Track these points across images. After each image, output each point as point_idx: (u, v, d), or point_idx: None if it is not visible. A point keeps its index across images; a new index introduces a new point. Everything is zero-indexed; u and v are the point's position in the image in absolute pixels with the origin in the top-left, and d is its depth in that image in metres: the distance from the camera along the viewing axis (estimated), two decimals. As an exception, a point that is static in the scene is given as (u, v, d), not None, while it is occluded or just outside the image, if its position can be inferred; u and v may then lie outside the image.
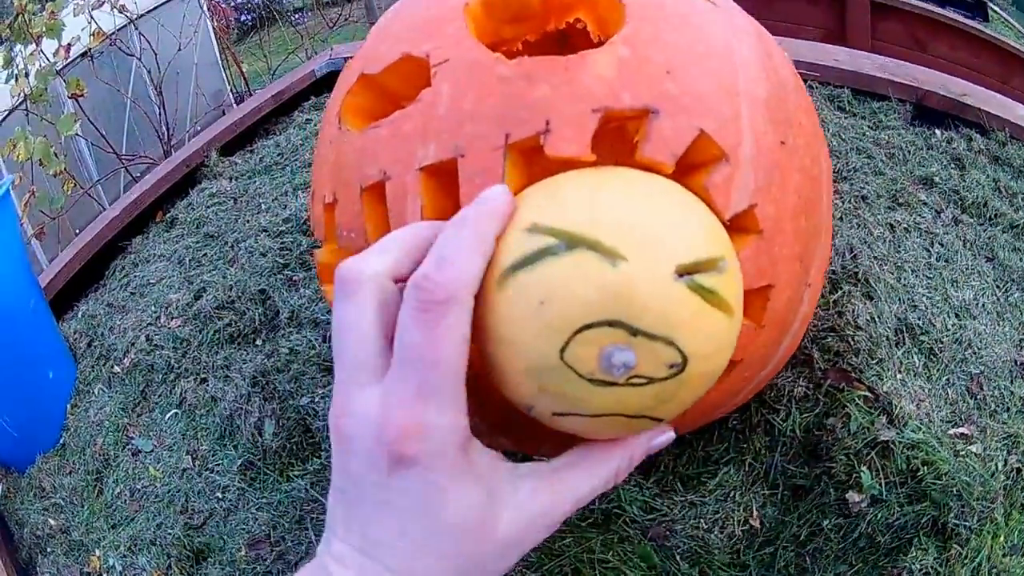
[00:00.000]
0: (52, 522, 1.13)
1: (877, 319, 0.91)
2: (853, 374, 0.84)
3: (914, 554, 0.78)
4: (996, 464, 0.86)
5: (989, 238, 1.20)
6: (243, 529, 0.98)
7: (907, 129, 1.48)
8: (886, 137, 1.44)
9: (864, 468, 0.78)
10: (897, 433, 0.81)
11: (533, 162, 0.61)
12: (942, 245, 1.14)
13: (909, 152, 1.39)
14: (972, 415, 0.92)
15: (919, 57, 3.15)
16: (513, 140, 0.59)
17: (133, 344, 1.31)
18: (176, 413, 1.19)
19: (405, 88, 0.70)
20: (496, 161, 0.58)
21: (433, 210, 0.63)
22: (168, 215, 1.71)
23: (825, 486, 0.79)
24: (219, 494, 1.04)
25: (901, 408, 0.84)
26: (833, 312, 0.91)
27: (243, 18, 4.56)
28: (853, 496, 0.79)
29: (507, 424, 0.70)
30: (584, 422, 0.50)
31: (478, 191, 0.59)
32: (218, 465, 1.08)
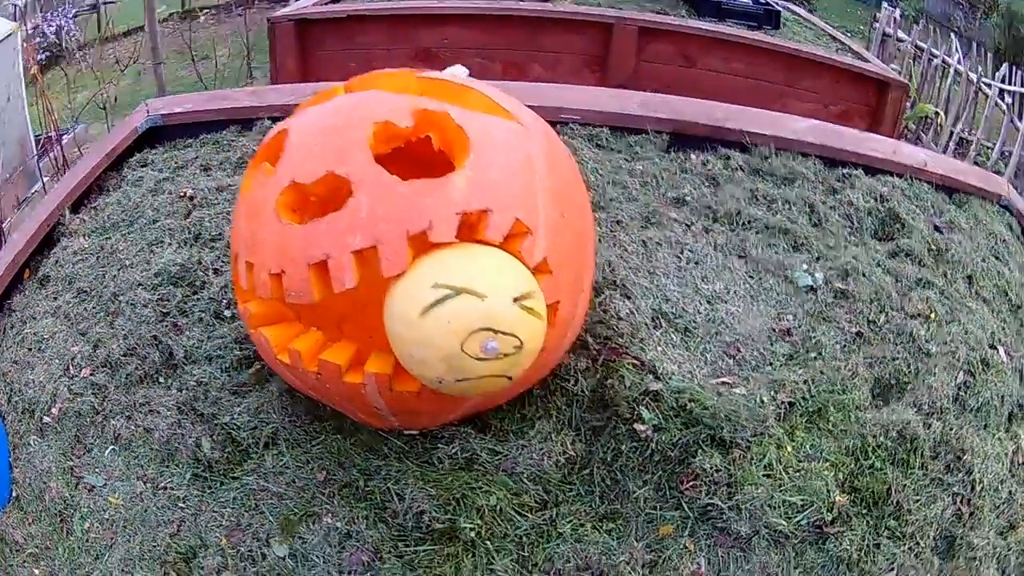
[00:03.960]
0: (36, 571, 1.45)
1: (635, 311, 1.60)
2: (621, 349, 1.52)
3: (700, 459, 1.42)
4: (761, 398, 1.51)
5: (741, 240, 1.87)
6: (215, 525, 1.41)
7: (662, 157, 2.14)
8: (640, 167, 2.10)
9: (643, 409, 1.48)
10: (664, 384, 1.51)
11: (422, 246, 1.22)
12: (692, 251, 1.86)
13: (662, 178, 2.06)
14: (733, 370, 1.62)
15: (688, 74, 3.83)
16: (411, 234, 1.19)
17: (55, 395, 1.70)
18: (114, 449, 1.58)
19: (326, 194, 1.28)
20: (402, 246, 1.18)
21: (360, 279, 1.21)
22: (39, 273, 2.04)
23: (616, 424, 1.46)
24: (180, 504, 1.46)
25: (664, 368, 1.54)
26: (600, 310, 1.57)
27: (40, 57, 4.71)
28: (640, 427, 1.47)
29: (404, 405, 1.30)
30: (474, 383, 1.14)
31: (392, 267, 1.19)
32: (169, 483, 1.49)
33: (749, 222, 1.99)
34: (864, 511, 1.46)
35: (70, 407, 1.70)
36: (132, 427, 1.63)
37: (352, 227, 1.22)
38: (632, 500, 1.45)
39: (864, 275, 1.83)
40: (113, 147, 2.42)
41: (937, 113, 6.81)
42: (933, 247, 1.96)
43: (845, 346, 1.71)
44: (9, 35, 3.79)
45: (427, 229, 1.19)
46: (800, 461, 1.51)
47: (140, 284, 1.91)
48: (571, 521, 1.40)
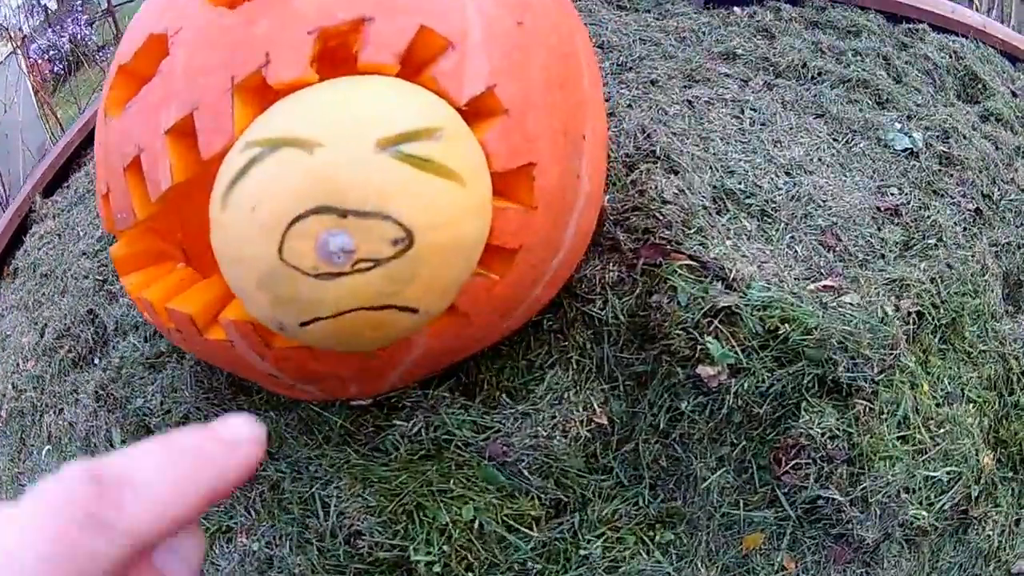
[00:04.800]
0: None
1: (687, 190, 1.06)
2: (670, 247, 0.98)
3: (806, 418, 0.92)
4: (883, 310, 1.03)
5: (815, 96, 1.39)
6: None
7: (699, 14, 1.71)
8: (674, 24, 1.65)
9: (710, 339, 0.95)
10: (740, 296, 0.96)
11: (263, 99, 0.77)
12: (755, 110, 1.32)
13: (703, 33, 1.60)
14: (835, 268, 1.10)
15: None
16: (239, 80, 0.73)
17: (4, 395, 1.50)
18: (48, 449, 1.35)
19: (154, 70, 0.85)
20: (225, 103, 0.73)
21: (182, 170, 0.78)
22: (11, 267, 1.92)
23: (669, 366, 0.94)
24: None
25: (737, 271, 0.99)
26: (634, 192, 1.04)
27: (56, 68, 4.86)
28: (706, 370, 0.95)
29: (301, 367, 0.85)
30: (331, 327, 0.65)
31: (214, 139, 0.74)
32: None
33: (819, 75, 1.48)
34: (1010, 474, 1.02)
35: (15, 406, 1.52)
36: (60, 422, 1.38)
37: (166, 96, 0.79)
38: (699, 493, 0.95)
39: (965, 138, 1.34)
40: (87, 119, 2.21)
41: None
42: (1018, 113, 1.56)
43: (966, 228, 1.20)
44: (9, 55, 3.95)
45: (262, 66, 0.73)
46: (939, 407, 1.01)
47: (84, 253, 1.68)
48: (603, 534, 0.91)
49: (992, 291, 1.11)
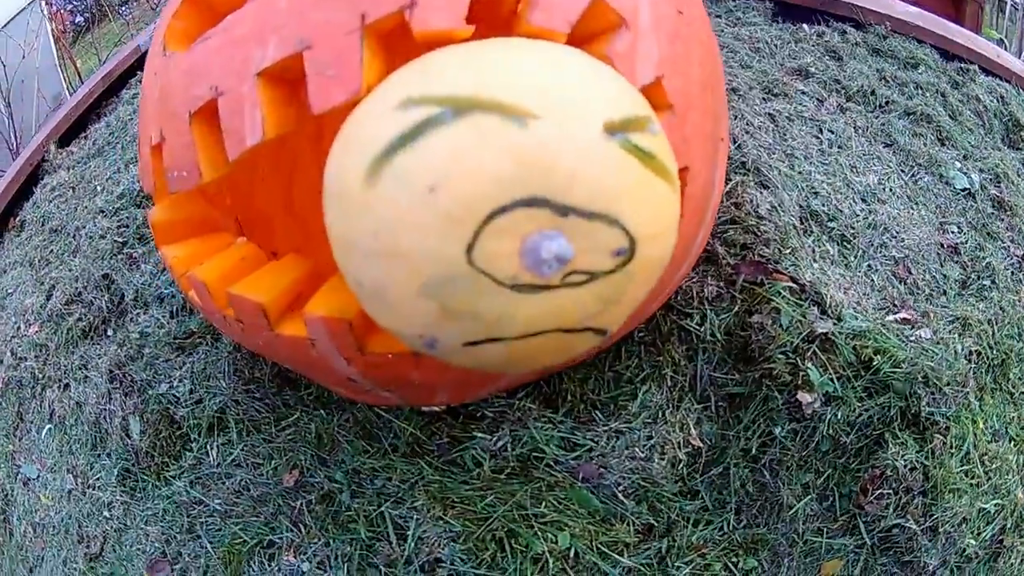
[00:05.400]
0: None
1: (779, 208, 0.87)
2: (770, 265, 0.79)
3: (893, 450, 0.76)
4: (954, 347, 0.85)
5: (883, 124, 1.19)
6: (139, 550, 0.83)
7: (770, 25, 1.47)
8: (747, 33, 1.41)
9: (810, 364, 0.76)
10: (835, 323, 0.78)
11: (396, 49, 0.51)
12: (832, 132, 1.12)
13: (776, 46, 1.37)
14: (907, 300, 0.92)
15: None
16: (371, 20, 0.48)
17: (2, 362, 1.13)
18: (49, 429, 1.04)
19: (239, 1, 0.57)
20: (351, 47, 0.47)
21: (276, 124, 0.51)
22: (18, 218, 1.51)
23: (768, 390, 0.75)
24: (106, 513, 0.90)
25: (831, 297, 0.81)
26: (729, 204, 0.85)
27: (77, 20, 4.25)
28: (805, 396, 0.75)
29: (394, 375, 0.60)
30: (507, 350, 0.41)
31: (332, 89, 0.48)
32: (98, 480, 0.94)
33: (887, 103, 1.25)
34: None
35: (12, 376, 1.15)
36: (65, 400, 1.06)
37: (261, 30, 0.52)
38: (783, 520, 0.75)
39: (1014, 184, 1.15)
40: (110, 69, 1.82)
41: (1001, 40, 5.66)
42: None
43: (1014, 273, 1.02)
44: (31, 2, 3.40)
45: (407, 7, 0.47)
46: (989, 442, 0.87)
47: (101, 211, 1.32)
48: (691, 560, 0.70)
49: (1033, 333, 0.95)
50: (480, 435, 0.71)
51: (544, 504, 0.67)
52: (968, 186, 1.08)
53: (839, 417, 0.75)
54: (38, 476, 1.05)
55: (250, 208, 0.77)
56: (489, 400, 0.73)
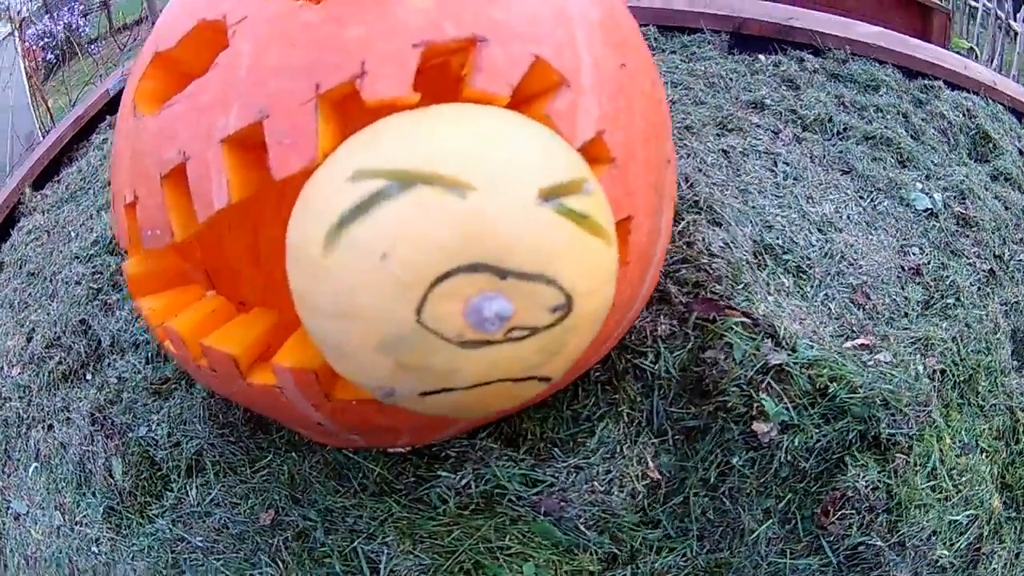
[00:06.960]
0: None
1: (731, 244, 0.90)
2: (721, 302, 0.82)
3: (854, 472, 0.79)
4: (914, 368, 0.88)
5: (841, 152, 1.23)
6: None
7: (725, 58, 1.49)
8: (702, 68, 1.43)
9: (764, 396, 0.79)
10: (789, 354, 0.81)
11: (351, 113, 0.54)
12: (787, 164, 1.16)
13: (731, 80, 1.40)
14: (866, 325, 0.96)
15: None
16: (325, 89, 0.51)
17: None
18: (36, 467, 1.06)
19: (204, 62, 0.61)
20: (307, 116, 0.51)
21: (241, 188, 0.55)
22: None
23: (724, 422, 0.78)
24: (94, 548, 0.92)
25: (785, 329, 0.84)
26: (681, 243, 0.88)
27: (48, 57, 4.27)
28: (760, 427, 0.78)
29: (359, 420, 0.63)
30: (460, 398, 0.44)
31: (290, 157, 0.51)
32: (84, 516, 0.97)
33: (844, 130, 1.30)
34: (1013, 514, 0.94)
35: None
36: (50, 440, 1.08)
37: (224, 97, 0.55)
38: (747, 544, 0.78)
39: (980, 198, 1.19)
40: (81, 113, 1.86)
41: (972, 49, 5.79)
42: None
43: (980, 288, 1.06)
44: (9, 34, 3.41)
45: (357, 77, 0.51)
46: (958, 456, 0.90)
47: (76, 257, 1.35)
48: (655, 586, 0.72)
49: (1003, 348, 1.00)
50: (444, 474, 0.73)
51: (508, 537, 0.69)
52: (930, 206, 1.12)
53: (797, 444, 0.78)
54: (28, 512, 1.07)
55: (218, 259, 0.80)
56: (452, 441, 0.75)
